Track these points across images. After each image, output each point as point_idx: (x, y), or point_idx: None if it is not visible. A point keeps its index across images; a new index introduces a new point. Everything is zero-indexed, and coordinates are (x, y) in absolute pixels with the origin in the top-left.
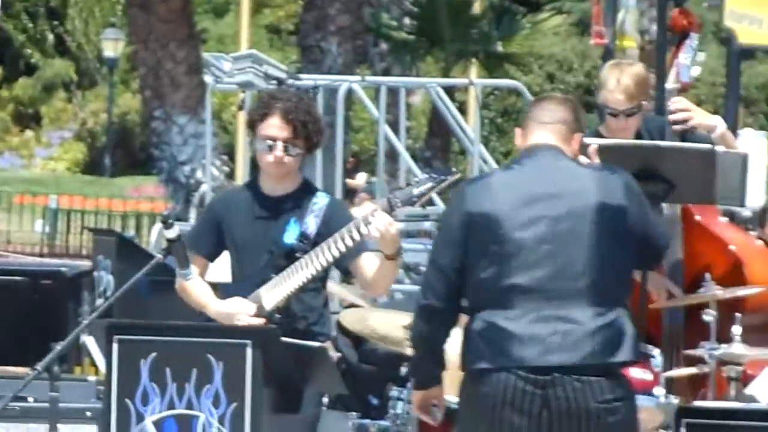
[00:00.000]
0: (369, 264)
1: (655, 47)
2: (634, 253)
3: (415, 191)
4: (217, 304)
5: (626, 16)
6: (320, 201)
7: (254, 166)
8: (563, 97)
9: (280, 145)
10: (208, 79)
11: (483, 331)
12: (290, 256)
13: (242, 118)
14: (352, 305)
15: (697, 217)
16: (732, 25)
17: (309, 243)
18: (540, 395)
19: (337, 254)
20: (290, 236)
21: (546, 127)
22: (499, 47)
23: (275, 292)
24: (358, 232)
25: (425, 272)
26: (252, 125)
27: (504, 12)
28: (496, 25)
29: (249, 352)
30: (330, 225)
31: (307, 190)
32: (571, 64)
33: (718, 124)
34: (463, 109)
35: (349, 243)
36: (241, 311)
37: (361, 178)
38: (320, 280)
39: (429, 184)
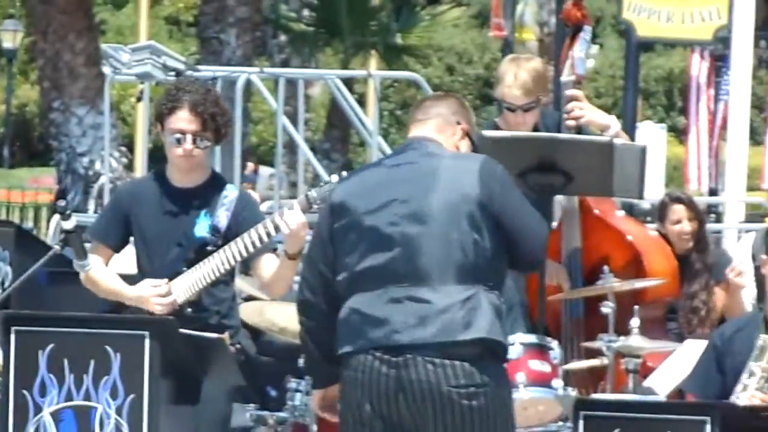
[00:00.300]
0: (268, 265)
1: (554, 39)
2: (496, 239)
3: None
4: (131, 289)
5: (525, 8)
6: (230, 194)
7: (153, 158)
8: (442, 94)
9: (189, 138)
10: (106, 70)
11: (346, 317)
12: (201, 249)
13: (141, 109)
14: (251, 297)
15: (596, 211)
16: (631, 17)
17: (220, 236)
18: (394, 377)
19: (251, 249)
20: (201, 229)
21: (422, 123)
22: (399, 39)
23: (187, 285)
24: (274, 226)
25: (302, 267)
26: (160, 118)
27: (403, 4)
28: (396, 17)
29: (147, 343)
30: (239, 219)
31: (216, 183)
32: (471, 57)
33: (612, 123)
34: (362, 101)
35: (264, 239)
36: (153, 293)
37: (246, 169)
38: (230, 273)
39: None
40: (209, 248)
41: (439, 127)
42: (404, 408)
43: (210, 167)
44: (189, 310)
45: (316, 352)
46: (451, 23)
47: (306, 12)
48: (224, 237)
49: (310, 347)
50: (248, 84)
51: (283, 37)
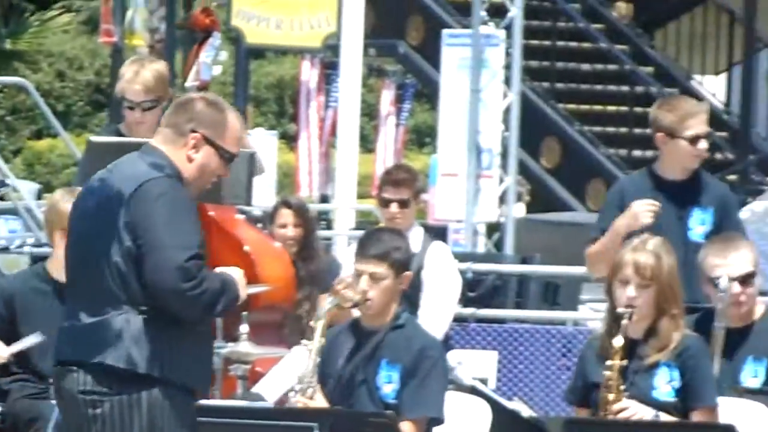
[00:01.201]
0: None
1: (165, 46)
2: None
3: None
4: None
5: (135, 15)
6: None
7: None
8: (189, 97)
9: None
10: None
11: None
12: None
13: None
14: None
15: (211, 213)
16: (240, 24)
17: None
18: (57, 387)
19: None
20: None
21: (159, 129)
22: (8, 45)
23: None
24: None
25: None
26: None
27: (11, 9)
28: (4, 23)
29: None
30: None
31: None
32: (81, 63)
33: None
34: None
35: None
36: None
37: None
38: None
39: None
40: None
41: (168, 137)
42: (67, 417)
43: None
44: None
45: None
46: (61, 29)
47: None
48: None
49: None
50: None
51: None
